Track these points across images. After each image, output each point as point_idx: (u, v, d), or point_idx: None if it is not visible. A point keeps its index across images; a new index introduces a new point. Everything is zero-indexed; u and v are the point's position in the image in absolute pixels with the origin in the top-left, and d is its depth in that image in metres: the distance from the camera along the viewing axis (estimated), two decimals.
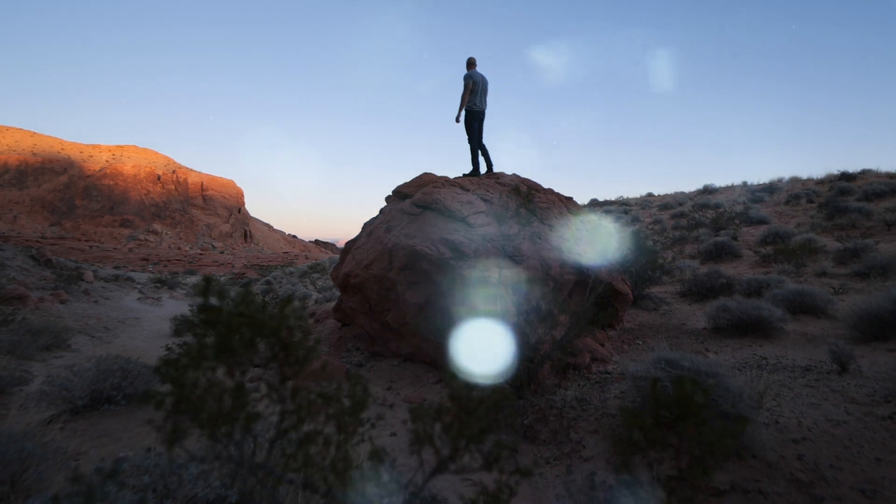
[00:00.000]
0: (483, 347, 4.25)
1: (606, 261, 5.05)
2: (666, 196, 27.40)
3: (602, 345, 4.78)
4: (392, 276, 5.10)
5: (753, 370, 3.72)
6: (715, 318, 5.41)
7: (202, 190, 77.73)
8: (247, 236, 78.07)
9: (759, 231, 12.38)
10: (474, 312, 4.43)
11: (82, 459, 3.00)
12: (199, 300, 0.61)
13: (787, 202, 16.93)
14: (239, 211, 79.77)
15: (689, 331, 5.72)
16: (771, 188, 19.97)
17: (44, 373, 5.66)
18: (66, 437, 2.99)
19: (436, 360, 5.09)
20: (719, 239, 11.31)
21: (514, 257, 4.63)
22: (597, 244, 5.04)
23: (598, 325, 4.80)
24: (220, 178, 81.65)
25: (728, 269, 9.47)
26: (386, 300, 5.30)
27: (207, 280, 0.72)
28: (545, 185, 6.29)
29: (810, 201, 16.16)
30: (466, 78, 6.20)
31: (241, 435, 0.66)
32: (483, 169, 6.52)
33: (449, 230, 4.76)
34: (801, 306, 5.84)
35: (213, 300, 0.64)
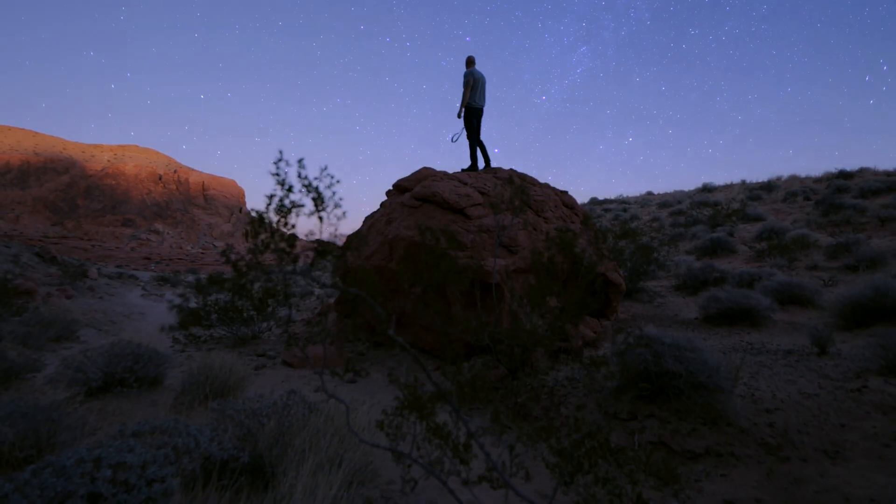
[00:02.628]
0: (481, 334, 4.42)
1: (600, 252, 5.22)
2: (665, 194, 27.58)
3: (595, 332, 4.95)
4: (392, 267, 5.27)
5: (738, 353, 3.89)
6: (706, 308, 5.58)
7: (203, 190, 77.91)
8: (248, 236, 78.16)
9: (756, 227, 12.53)
10: (472, 300, 4.61)
11: (99, 434, 3.18)
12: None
13: (785, 200, 17.09)
14: (240, 210, 79.94)
15: (681, 321, 5.89)
16: (769, 186, 20.12)
17: (55, 362, 5.84)
18: (83, 414, 3.16)
19: (435, 347, 5.26)
20: (715, 235, 11.47)
21: (510, 247, 4.80)
22: (590, 236, 5.20)
23: (588, 311, 4.97)
24: (222, 177, 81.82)
25: (723, 264, 9.63)
26: (387, 291, 5.47)
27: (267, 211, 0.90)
28: (542, 181, 6.46)
29: (807, 199, 16.32)
30: (467, 76, 6.37)
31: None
32: (481, 164, 6.69)
33: (447, 221, 4.93)
34: (791, 297, 6.01)
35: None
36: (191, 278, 27.69)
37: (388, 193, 6.54)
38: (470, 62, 6.54)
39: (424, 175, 6.10)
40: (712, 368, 2.55)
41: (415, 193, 5.47)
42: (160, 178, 73.77)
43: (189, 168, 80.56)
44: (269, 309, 7.77)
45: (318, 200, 0.86)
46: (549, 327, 3.72)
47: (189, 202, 75.45)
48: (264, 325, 7.77)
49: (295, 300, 11.79)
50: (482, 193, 5.34)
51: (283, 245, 0.89)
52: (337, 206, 0.90)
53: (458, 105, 6.46)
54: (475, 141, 6.55)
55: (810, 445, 2.30)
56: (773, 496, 2.03)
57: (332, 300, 10.11)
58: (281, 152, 0.80)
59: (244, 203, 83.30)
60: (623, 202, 26.11)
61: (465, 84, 6.34)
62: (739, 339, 4.69)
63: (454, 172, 6.29)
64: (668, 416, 2.58)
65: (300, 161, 0.83)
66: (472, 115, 6.46)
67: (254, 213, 0.84)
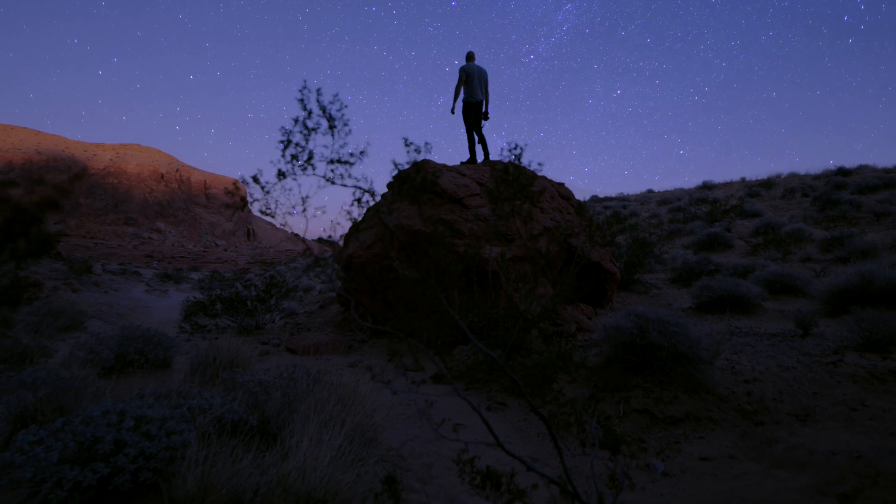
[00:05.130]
0: (479, 318, 4.58)
1: (594, 241, 5.36)
2: (665, 192, 27.68)
3: (589, 318, 5.10)
4: (393, 255, 5.43)
5: (725, 336, 4.04)
6: (698, 297, 5.72)
7: (205, 188, 78.17)
8: (249, 234, 78.51)
9: (753, 223, 12.67)
10: (471, 287, 4.77)
11: None
12: None
13: (783, 196, 17.21)
14: (242, 209, 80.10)
15: (675, 309, 6.03)
16: (769, 184, 20.24)
17: (65, 349, 6.01)
18: (100, 387, 3.32)
19: (434, 335, 5.42)
20: (712, 230, 11.60)
21: (507, 236, 4.95)
22: (584, 224, 5.35)
23: (581, 295, 5.12)
24: (223, 176, 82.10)
25: (719, 258, 9.76)
26: (387, 279, 5.63)
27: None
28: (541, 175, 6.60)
29: (805, 195, 16.43)
30: (460, 71, 6.53)
31: None
32: (480, 158, 6.83)
33: (446, 211, 5.09)
34: (782, 287, 6.15)
35: None
36: (193, 276, 27.93)
37: (389, 185, 6.70)
38: (468, 57, 6.69)
39: (424, 167, 6.25)
40: (693, 341, 2.70)
41: (415, 184, 5.63)
42: (162, 177, 74.02)
43: (191, 167, 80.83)
44: (273, 300, 7.96)
45: (331, 121, 1.01)
46: (543, 309, 3.88)
47: (191, 201, 75.68)
48: (267, 316, 7.95)
49: (298, 294, 11.97)
50: (480, 184, 5.49)
51: (305, 159, 1.03)
52: (345, 125, 1.05)
53: (452, 101, 6.63)
54: (473, 134, 6.70)
55: (784, 411, 2.45)
56: (746, 454, 2.18)
57: (333, 294, 10.28)
58: (304, 82, 0.96)
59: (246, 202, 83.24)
60: (623, 199, 26.23)
61: (459, 78, 6.51)
62: (729, 324, 4.84)
63: (453, 165, 6.44)
64: (652, 386, 2.74)
65: (318, 90, 0.99)
66: (468, 110, 6.59)
67: (283, 130, 0.99)
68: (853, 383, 2.62)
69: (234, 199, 1.43)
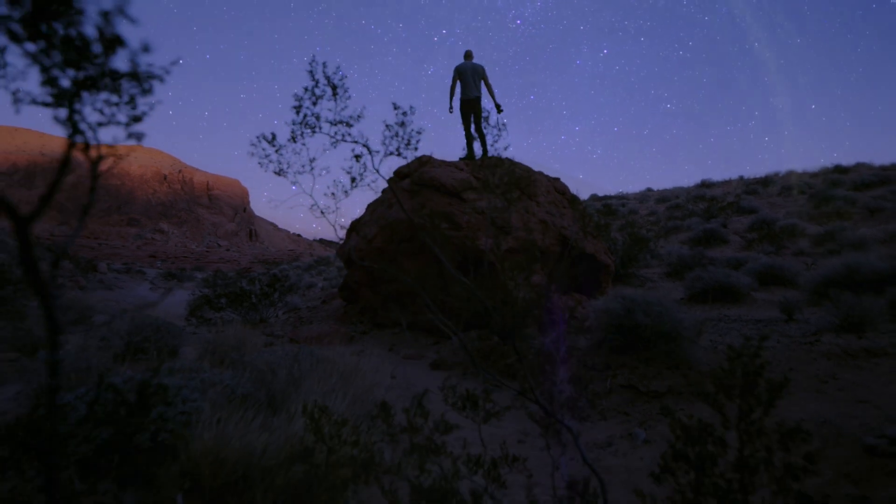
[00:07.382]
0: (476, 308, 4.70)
1: (587, 232, 5.52)
2: (664, 191, 27.81)
3: (583, 306, 5.25)
4: (393, 249, 5.59)
5: (713, 322, 4.18)
6: (690, 287, 5.87)
7: (208, 189, 78.51)
8: (252, 235, 78.79)
9: (749, 219, 12.79)
10: (467, 278, 4.92)
11: None
12: None
13: (780, 193, 17.33)
14: (244, 210, 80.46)
15: (668, 300, 6.18)
16: (766, 181, 20.38)
17: (76, 340, 6.18)
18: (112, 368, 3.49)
19: (433, 326, 5.57)
20: (708, 226, 11.74)
21: (503, 228, 5.10)
22: (577, 216, 5.50)
23: (575, 286, 5.27)
24: (225, 177, 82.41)
25: (715, 253, 9.90)
26: (388, 271, 5.79)
27: None
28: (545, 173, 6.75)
29: (802, 192, 16.55)
30: (454, 70, 6.71)
31: None
32: (479, 154, 6.98)
33: (444, 205, 5.24)
34: (773, 278, 6.30)
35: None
36: (197, 275, 28.19)
37: (390, 181, 6.86)
38: (465, 56, 6.85)
39: (423, 162, 6.41)
40: (677, 321, 2.86)
41: (414, 179, 5.79)
42: (165, 178, 74.38)
43: (193, 168, 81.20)
44: (276, 295, 8.13)
45: (334, 89, 1.17)
46: (538, 296, 4.03)
47: (193, 202, 76.03)
48: (271, 310, 8.12)
49: (301, 290, 12.16)
50: (477, 179, 5.64)
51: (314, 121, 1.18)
52: (346, 90, 1.20)
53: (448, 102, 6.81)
54: (472, 131, 6.84)
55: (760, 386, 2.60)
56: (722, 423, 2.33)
57: (335, 290, 10.46)
58: (314, 55, 1.11)
59: (248, 203, 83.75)
60: (622, 198, 26.36)
61: (452, 79, 6.70)
62: (719, 312, 4.99)
63: (451, 161, 6.60)
64: (637, 364, 2.89)
65: (324, 63, 1.15)
66: (465, 107, 6.74)
67: (296, 97, 1.15)
68: (827, 360, 2.77)
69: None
